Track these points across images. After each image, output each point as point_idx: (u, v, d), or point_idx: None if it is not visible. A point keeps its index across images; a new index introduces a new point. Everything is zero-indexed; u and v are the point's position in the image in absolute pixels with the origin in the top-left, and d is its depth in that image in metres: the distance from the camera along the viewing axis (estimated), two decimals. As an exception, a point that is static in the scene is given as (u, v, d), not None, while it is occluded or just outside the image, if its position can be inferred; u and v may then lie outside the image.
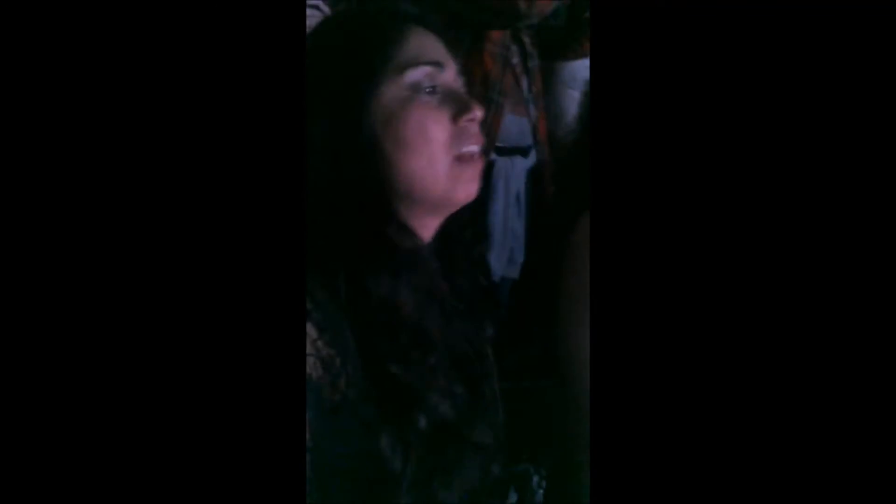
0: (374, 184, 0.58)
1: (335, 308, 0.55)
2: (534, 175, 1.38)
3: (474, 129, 0.60)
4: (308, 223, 0.49)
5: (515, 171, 1.33)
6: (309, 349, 0.51)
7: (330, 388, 0.52)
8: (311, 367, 0.52)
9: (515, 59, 1.34)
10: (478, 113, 0.59)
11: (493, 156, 1.32)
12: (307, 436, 0.50)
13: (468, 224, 0.68)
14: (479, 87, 1.26)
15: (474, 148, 0.60)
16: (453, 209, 0.62)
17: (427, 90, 0.59)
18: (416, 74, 0.58)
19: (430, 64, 0.59)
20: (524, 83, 1.36)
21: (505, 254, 1.34)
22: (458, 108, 0.59)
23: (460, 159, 0.59)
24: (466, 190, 0.60)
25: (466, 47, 1.24)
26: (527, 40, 1.36)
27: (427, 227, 0.62)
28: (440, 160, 0.58)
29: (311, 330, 0.52)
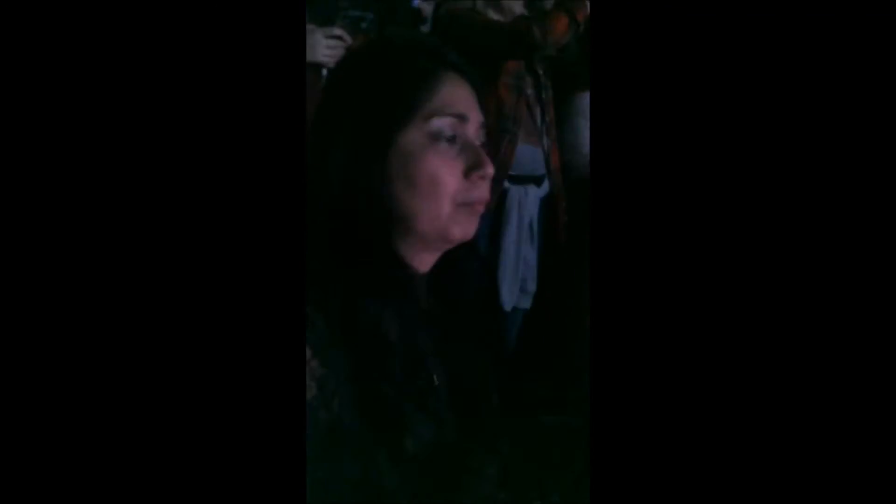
0: (376, 214, 0.59)
1: (329, 330, 0.55)
2: (547, 204, 1.39)
3: (483, 185, 0.61)
4: (308, 245, 0.49)
5: (529, 200, 1.34)
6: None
7: (324, 408, 0.52)
8: (306, 386, 0.51)
9: (529, 90, 1.36)
10: (489, 171, 0.60)
11: (507, 184, 1.32)
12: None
13: (469, 256, 0.68)
14: (494, 118, 1.27)
15: (480, 200, 0.60)
16: (449, 246, 0.63)
17: (447, 138, 0.59)
18: (440, 123, 0.59)
19: (456, 116, 0.60)
20: (538, 113, 1.37)
21: (517, 284, 1.34)
22: (472, 163, 0.60)
23: (463, 205, 0.60)
24: (464, 230, 0.61)
25: (483, 75, 1.26)
26: (541, 71, 1.38)
27: (423, 261, 0.63)
28: (444, 206, 0.59)
29: (306, 350, 0.52)
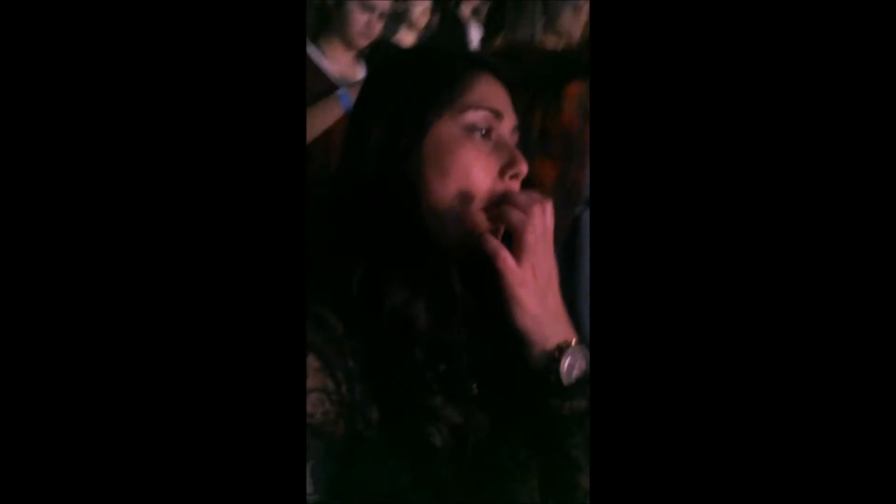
0: (408, 201, 0.59)
1: (343, 323, 0.53)
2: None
3: (516, 185, 0.60)
4: (313, 233, 0.49)
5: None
6: (311, 383, 0.49)
7: (339, 423, 0.50)
8: (315, 404, 0.49)
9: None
10: (523, 169, 0.60)
11: (579, 209, 1.29)
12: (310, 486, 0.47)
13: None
14: (559, 143, 1.25)
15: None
16: (461, 254, 0.61)
17: (482, 133, 0.59)
18: (475, 116, 0.59)
19: (490, 110, 0.60)
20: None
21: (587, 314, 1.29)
22: (507, 161, 0.59)
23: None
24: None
25: (546, 103, 1.24)
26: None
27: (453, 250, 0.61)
28: (475, 199, 0.58)
29: (312, 361, 0.50)
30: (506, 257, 0.57)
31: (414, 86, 0.61)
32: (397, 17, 2.65)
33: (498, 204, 0.59)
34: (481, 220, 0.59)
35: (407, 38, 2.54)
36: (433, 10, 2.61)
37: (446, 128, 0.59)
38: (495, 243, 0.57)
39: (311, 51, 1.68)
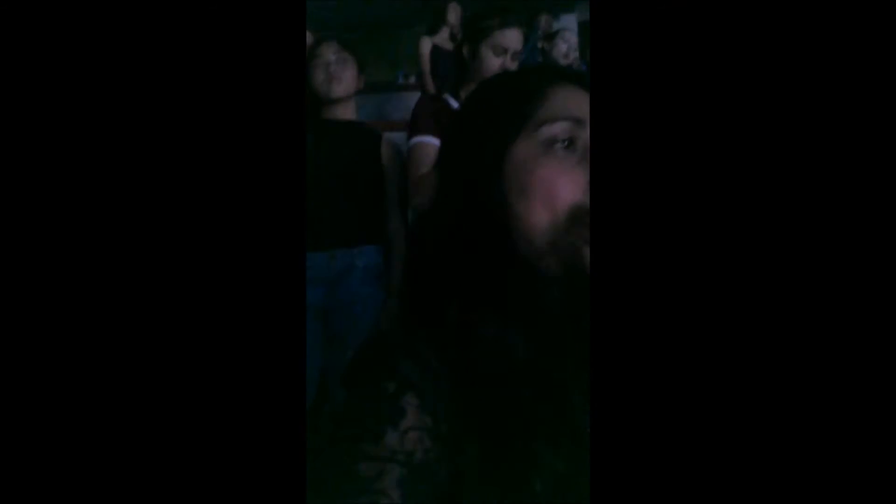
0: (494, 229, 0.56)
1: (439, 359, 0.51)
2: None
3: None
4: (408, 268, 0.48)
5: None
6: (410, 422, 0.46)
7: (441, 462, 0.46)
8: (415, 442, 0.46)
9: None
10: None
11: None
12: None
13: None
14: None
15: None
16: (560, 274, 0.55)
17: (564, 144, 0.55)
18: (552, 130, 0.56)
19: (570, 119, 0.56)
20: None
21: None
22: None
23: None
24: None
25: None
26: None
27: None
28: (562, 214, 0.53)
29: (410, 399, 0.47)
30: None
31: (491, 111, 0.60)
32: (541, 53, 2.67)
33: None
34: (576, 234, 0.54)
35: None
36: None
37: (523, 148, 0.57)
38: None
39: (451, 102, 1.75)
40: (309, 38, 2.00)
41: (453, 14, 3.71)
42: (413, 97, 2.12)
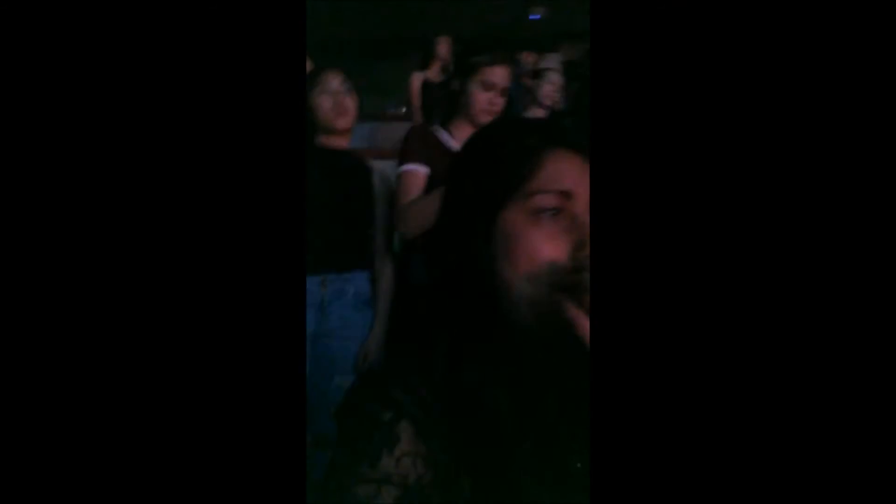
0: (479, 284, 0.58)
1: (431, 394, 0.54)
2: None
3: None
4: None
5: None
6: (405, 448, 0.49)
7: (433, 488, 0.49)
8: (409, 467, 0.48)
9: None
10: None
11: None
12: None
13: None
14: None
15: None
16: (543, 334, 0.57)
17: (550, 213, 0.57)
18: (542, 201, 0.57)
19: (559, 193, 0.57)
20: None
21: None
22: (577, 243, 0.55)
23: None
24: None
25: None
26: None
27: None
28: (542, 287, 0.55)
29: (405, 426, 0.50)
30: (586, 325, 0.52)
31: (488, 168, 0.61)
32: (527, 93, 2.75)
33: (572, 281, 0.55)
34: (557, 296, 0.55)
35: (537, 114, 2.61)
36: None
37: (513, 214, 0.58)
38: (574, 312, 0.53)
39: (440, 133, 1.80)
40: (309, 65, 2.04)
41: (443, 47, 3.80)
42: (402, 127, 2.17)
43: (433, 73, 3.75)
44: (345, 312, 1.65)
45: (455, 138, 1.79)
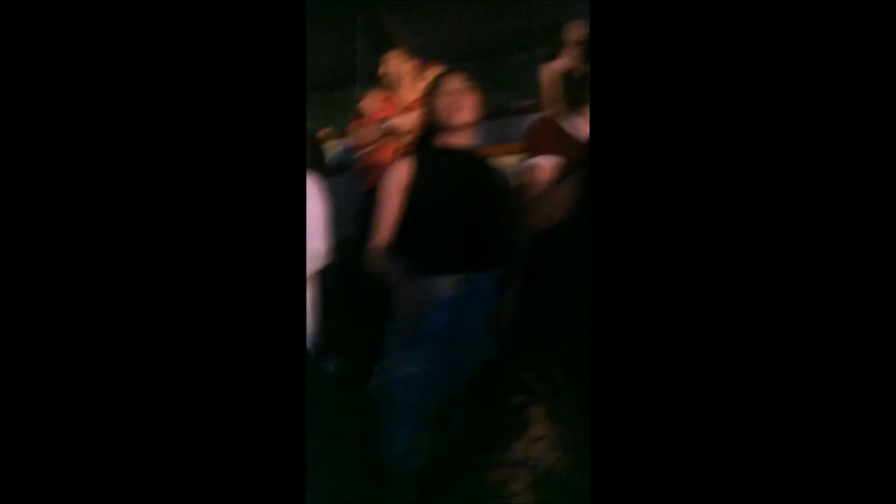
0: None
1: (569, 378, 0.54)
2: None
3: None
4: None
5: None
6: (540, 432, 0.51)
7: (573, 471, 0.48)
8: (543, 451, 0.47)
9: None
10: None
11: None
12: None
13: None
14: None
15: None
16: None
17: None
18: None
19: None
20: None
21: None
22: None
23: None
24: None
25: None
26: None
27: None
28: None
29: (539, 411, 0.49)
30: None
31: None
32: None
33: None
34: None
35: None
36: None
37: None
38: None
39: (569, 122, 1.73)
40: (439, 68, 2.06)
41: (572, 33, 3.66)
42: (529, 120, 2.12)
43: (563, 62, 3.63)
44: (475, 311, 1.63)
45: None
